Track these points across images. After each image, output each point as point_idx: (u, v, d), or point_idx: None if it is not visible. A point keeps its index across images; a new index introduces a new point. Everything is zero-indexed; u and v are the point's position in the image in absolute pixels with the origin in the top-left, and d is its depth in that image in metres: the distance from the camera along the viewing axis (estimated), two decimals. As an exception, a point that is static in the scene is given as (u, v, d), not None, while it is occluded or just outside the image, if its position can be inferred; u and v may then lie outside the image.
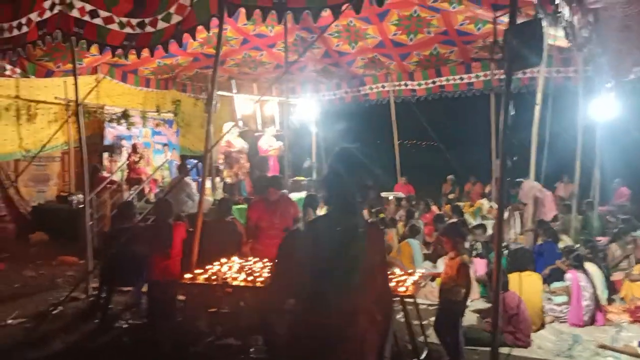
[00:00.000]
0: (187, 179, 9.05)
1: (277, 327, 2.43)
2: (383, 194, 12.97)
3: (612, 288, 7.12)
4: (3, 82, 9.88)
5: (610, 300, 6.86)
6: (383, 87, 12.85)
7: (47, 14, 6.84)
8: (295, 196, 8.90)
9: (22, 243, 9.95)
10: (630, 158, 13.55)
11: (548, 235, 7.62)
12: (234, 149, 10.64)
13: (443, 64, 11.48)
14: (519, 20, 3.88)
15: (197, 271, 5.15)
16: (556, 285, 6.63)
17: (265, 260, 5.54)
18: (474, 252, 7.40)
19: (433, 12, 8.89)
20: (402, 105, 13.13)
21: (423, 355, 4.94)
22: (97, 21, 6.58)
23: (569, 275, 6.34)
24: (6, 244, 9.49)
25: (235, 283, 4.92)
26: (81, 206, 8.44)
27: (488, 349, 4.02)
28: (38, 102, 10.55)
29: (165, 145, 13.15)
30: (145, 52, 6.66)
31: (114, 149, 11.66)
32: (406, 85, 12.50)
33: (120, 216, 6.85)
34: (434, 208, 11.72)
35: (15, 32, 7.27)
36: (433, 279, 6.75)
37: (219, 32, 5.70)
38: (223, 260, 5.47)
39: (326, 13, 5.22)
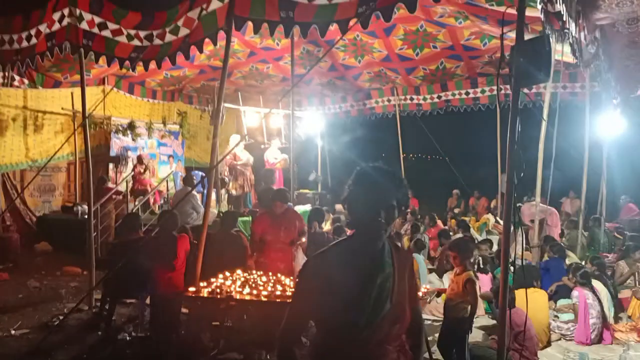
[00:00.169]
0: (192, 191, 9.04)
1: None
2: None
3: (619, 306, 7.05)
4: (11, 93, 9.95)
5: (617, 319, 6.78)
6: (389, 100, 12.88)
7: (56, 26, 6.92)
8: (300, 209, 8.89)
9: (26, 253, 9.95)
10: (638, 174, 13.50)
11: (555, 251, 7.57)
12: (239, 162, 10.66)
13: (449, 78, 11.51)
14: (526, 36, 3.88)
15: (201, 284, 5.12)
16: (562, 302, 6.57)
17: (270, 273, 5.52)
18: (475, 267, 7.35)
19: (439, 27, 8.92)
20: (408, 119, 13.15)
21: (428, 372, 4.88)
22: (106, 33, 6.65)
23: (575, 293, 6.27)
24: (11, 254, 9.48)
25: (239, 297, 4.90)
26: (86, 217, 8.45)
27: (494, 367, 3.97)
28: (45, 112, 10.62)
29: (170, 156, 13.18)
30: (153, 64, 6.71)
31: (119, 160, 11.70)
32: (412, 99, 12.53)
33: (125, 227, 6.85)
34: (439, 222, 11.68)
35: (25, 44, 7.35)
36: (438, 294, 6.70)
37: (227, 45, 5.73)
38: (227, 273, 5.45)
39: (333, 27, 5.24)
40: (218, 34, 5.75)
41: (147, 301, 6.13)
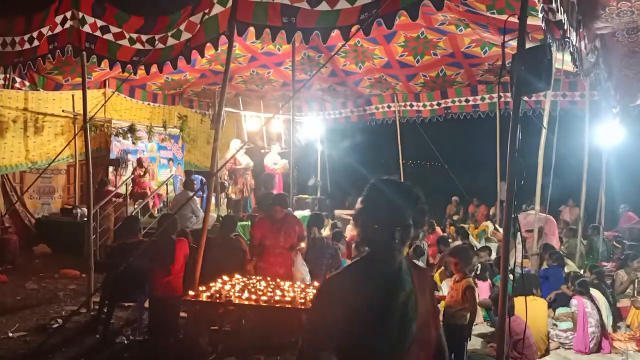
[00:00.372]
0: (192, 195, 9.04)
1: None
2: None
3: (618, 315, 7.04)
4: (12, 94, 9.96)
5: (615, 328, 6.78)
6: (389, 107, 12.92)
7: (59, 29, 6.94)
8: (299, 214, 8.89)
9: (25, 255, 9.93)
10: (637, 183, 13.53)
11: (554, 259, 7.57)
12: (239, 166, 10.67)
13: (449, 85, 11.56)
14: (527, 45, 3.90)
15: (200, 288, 5.12)
16: (561, 311, 6.56)
17: (269, 278, 5.52)
18: (474, 274, 7.34)
19: (440, 34, 8.96)
20: (408, 125, 13.18)
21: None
22: (108, 37, 6.68)
23: (574, 302, 6.27)
24: (9, 256, 9.46)
25: (238, 301, 4.90)
26: (85, 219, 8.44)
27: (493, 374, 3.97)
28: (46, 114, 10.63)
29: (170, 160, 13.19)
30: (154, 68, 6.74)
31: (119, 163, 11.70)
32: (411, 105, 12.57)
33: (124, 230, 6.84)
34: (438, 229, 11.67)
35: (27, 46, 7.38)
36: (438, 301, 6.69)
37: (229, 50, 5.75)
38: (226, 277, 5.44)
39: (335, 34, 5.27)
40: (219, 38, 5.78)
41: (146, 304, 6.13)
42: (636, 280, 7.68)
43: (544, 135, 7.13)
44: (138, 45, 6.69)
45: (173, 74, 10.46)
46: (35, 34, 7.29)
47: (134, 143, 12.07)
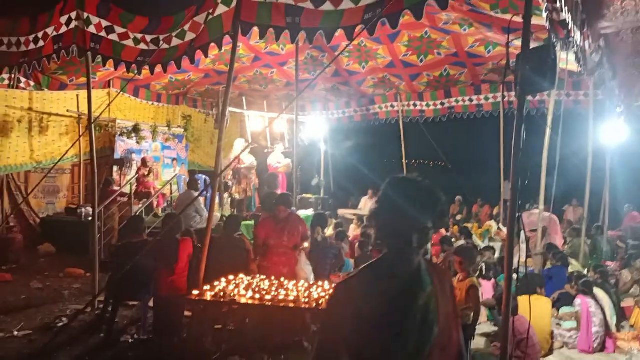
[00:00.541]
0: (196, 194, 9.06)
1: None
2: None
3: (622, 314, 7.03)
4: (17, 94, 10.01)
5: (619, 327, 6.77)
6: (392, 106, 12.91)
7: (64, 29, 6.96)
8: (302, 214, 8.90)
9: (29, 254, 9.98)
10: (641, 182, 13.49)
11: (557, 259, 7.56)
12: (242, 166, 10.69)
13: (453, 85, 11.54)
14: (531, 45, 3.90)
15: (204, 287, 5.14)
16: (565, 310, 6.55)
17: (273, 278, 5.54)
18: (478, 274, 7.35)
19: (444, 34, 8.95)
20: (411, 125, 13.17)
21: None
22: (113, 37, 6.71)
23: (578, 301, 6.27)
24: (14, 255, 9.51)
25: (242, 300, 4.91)
26: (90, 219, 8.48)
27: (497, 374, 3.97)
28: (50, 114, 10.67)
29: (174, 160, 13.23)
30: (158, 68, 6.76)
31: (124, 163, 11.73)
32: (415, 105, 12.55)
33: (128, 230, 6.87)
34: (442, 229, 11.67)
35: (32, 46, 7.40)
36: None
37: (233, 50, 5.77)
38: (230, 277, 5.46)
39: (338, 33, 5.28)
40: (224, 38, 5.80)
41: (150, 304, 6.15)
42: (640, 281, 7.67)
43: (548, 135, 7.12)
44: (143, 46, 6.71)
45: (177, 74, 10.48)
46: (40, 34, 7.32)
47: (138, 143, 12.12)
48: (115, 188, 10.53)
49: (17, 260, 9.49)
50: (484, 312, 6.86)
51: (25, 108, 10.19)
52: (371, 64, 10.76)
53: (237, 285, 5.25)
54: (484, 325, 6.75)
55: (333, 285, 5.49)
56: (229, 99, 6.02)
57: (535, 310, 5.56)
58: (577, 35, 4.77)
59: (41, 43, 7.35)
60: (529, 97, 4.09)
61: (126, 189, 10.92)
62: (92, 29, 6.71)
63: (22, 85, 10.07)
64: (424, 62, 10.32)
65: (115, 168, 11.65)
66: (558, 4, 4.06)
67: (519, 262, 5.63)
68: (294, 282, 5.51)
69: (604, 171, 10.08)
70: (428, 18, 7.92)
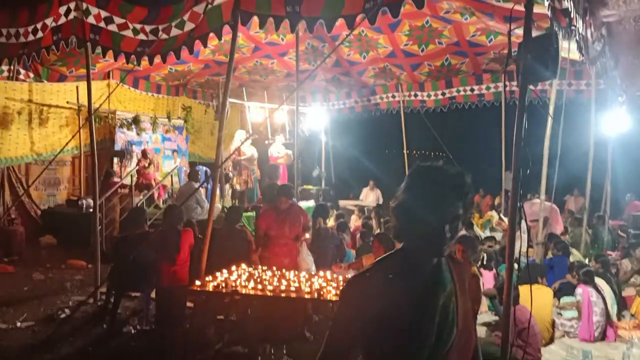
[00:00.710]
0: (197, 186, 9.07)
1: None
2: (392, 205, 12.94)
3: (623, 304, 7.05)
4: (17, 86, 9.98)
5: (620, 316, 6.79)
6: (393, 97, 12.87)
7: (62, 20, 6.92)
8: (303, 205, 8.91)
9: (31, 246, 10.00)
10: (643, 172, 13.48)
11: (559, 249, 7.57)
12: (243, 157, 10.69)
13: (454, 74, 11.49)
14: (533, 33, 3.87)
15: (206, 278, 5.15)
16: (566, 300, 6.57)
17: (275, 268, 5.55)
18: (479, 264, 7.36)
19: (445, 23, 8.90)
20: (412, 116, 13.14)
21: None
22: (112, 27, 6.67)
23: (579, 290, 6.28)
24: (16, 247, 9.54)
25: (244, 291, 4.92)
26: (91, 210, 8.49)
27: (498, 363, 3.98)
28: (50, 106, 10.65)
29: (174, 151, 13.21)
30: (158, 59, 6.72)
31: (124, 154, 11.72)
32: (416, 95, 12.51)
33: (130, 221, 6.88)
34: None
35: (31, 37, 7.36)
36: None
37: (233, 40, 5.74)
38: (232, 268, 5.47)
39: (339, 23, 5.24)
40: (223, 28, 5.76)
41: (152, 295, 6.17)
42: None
43: (549, 125, 7.10)
44: (142, 36, 6.67)
45: (177, 64, 10.45)
46: (39, 25, 7.27)
47: (138, 134, 12.10)
48: (116, 180, 10.52)
49: (19, 252, 9.51)
50: (484, 302, 6.88)
51: (25, 100, 10.17)
52: (372, 54, 10.72)
53: (239, 276, 5.26)
54: (485, 315, 6.77)
55: (348, 276, 5.49)
56: (229, 89, 6.00)
57: (536, 299, 5.57)
58: (579, 24, 4.74)
59: (40, 34, 7.31)
60: (531, 87, 4.06)
61: (127, 181, 10.92)
62: (91, 20, 6.67)
63: (21, 76, 10.03)
64: (425, 52, 10.27)
65: (115, 160, 11.63)
66: (560, -8, 4.03)
67: (520, 252, 5.64)
68: (296, 272, 5.52)
69: (606, 161, 10.06)
70: (429, 7, 7.87)
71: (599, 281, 6.49)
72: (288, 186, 6.52)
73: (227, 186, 11.13)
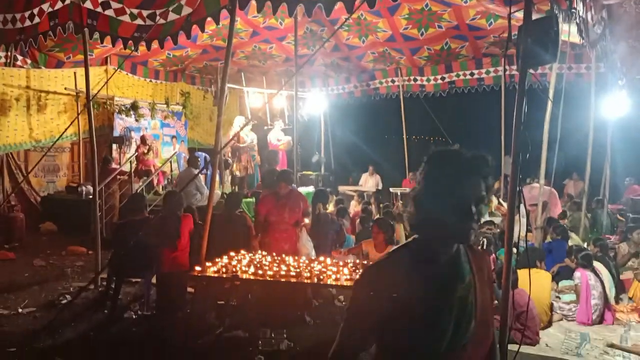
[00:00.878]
0: (196, 172, 9.07)
1: None
2: (392, 190, 12.97)
3: (621, 287, 7.09)
4: (14, 73, 9.92)
5: (618, 300, 6.83)
6: (393, 81, 12.82)
7: (59, 5, 6.84)
8: (303, 190, 8.91)
9: (31, 233, 10.02)
10: (642, 155, 13.47)
11: (558, 232, 7.59)
12: (243, 144, 10.67)
13: (454, 58, 11.44)
14: (533, 16, 3.84)
15: (207, 264, 5.17)
16: (565, 283, 6.60)
17: (275, 254, 5.57)
18: (479, 248, 7.37)
19: (445, 6, 8.84)
20: (411, 100, 13.10)
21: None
22: (109, 12, 6.59)
23: (577, 274, 6.30)
24: (16, 234, 9.56)
25: (244, 276, 4.95)
26: (90, 197, 8.49)
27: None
28: (48, 92, 10.59)
29: (173, 137, 13.18)
30: (155, 44, 6.67)
31: (123, 141, 11.69)
32: (415, 80, 12.47)
33: (129, 208, 6.89)
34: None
35: (27, 23, 7.28)
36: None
37: (231, 25, 5.68)
38: (232, 253, 5.49)
39: (338, 6, 5.20)
40: (221, 12, 5.71)
41: (153, 280, 6.20)
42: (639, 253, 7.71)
43: (549, 109, 7.07)
44: (139, 21, 6.60)
45: (175, 49, 10.38)
46: (35, 11, 7.20)
47: (136, 120, 12.04)
48: (115, 166, 10.51)
49: (20, 238, 9.53)
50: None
51: (23, 86, 10.11)
52: (371, 38, 10.65)
53: (239, 262, 5.28)
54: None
55: (347, 261, 5.51)
56: (228, 75, 5.96)
57: (534, 283, 5.59)
58: (580, 6, 4.71)
59: (37, 19, 7.23)
60: (531, 70, 4.04)
61: (126, 167, 10.90)
62: (88, 5, 6.59)
63: (19, 63, 9.98)
64: (424, 36, 10.22)
65: (114, 146, 11.60)
66: (561, -26, 3.99)
67: (519, 236, 5.65)
68: (296, 257, 5.54)
69: (605, 144, 10.05)
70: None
71: (597, 265, 6.52)
72: (287, 172, 6.52)
73: (227, 172, 11.12)
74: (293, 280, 4.89)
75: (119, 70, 10.16)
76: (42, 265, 8.19)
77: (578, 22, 5.10)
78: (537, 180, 7.97)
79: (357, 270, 5.09)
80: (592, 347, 5.44)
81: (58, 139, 9.32)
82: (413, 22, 9.69)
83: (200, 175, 9.88)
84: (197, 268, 5.09)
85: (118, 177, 10.31)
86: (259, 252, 5.71)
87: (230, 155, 10.95)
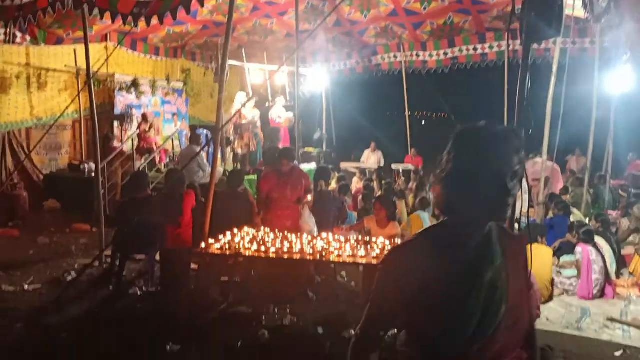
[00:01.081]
0: (198, 149, 9.06)
1: None
2: (393, 166, 12.97)
3: (622, 262, 7.13)
4: (14, 50, 9.84)
5: (619, 274, 6.88)
6: (395, 57, 12.70)
7: (57, -19, 6.75)
8: (305, 167, 8.92)
9: (35, 211, 10.07)
10: (645, 131, 13.41)
11: (559, 208, 7.61)
12: (244, 121, 10.64)
13: (457, 33, 11.31)
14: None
15: (210, 241, 5.21)
16: (566, 259, 6.64)
17: (277, 231, 5.60)
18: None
19: (448, -21, 8.72)
20: (414, 76, 12.99)
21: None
22: (108, -12, 6.50)
23: (579, 249, 6.34)
24: (20, 212, 9.60)
25: (247, 253, 4.98)
26: (93, 174, 8.50)
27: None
28: (48, 70, 10.53)
29: (174, 114, 13.13)
30: (155, 20, 6.60)
31: (124, 118, 11.66)
32: (418, 55, 12.35)
33: (132, 185, 6.90)
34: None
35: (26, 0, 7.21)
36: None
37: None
38: (235, 230, 5.52)
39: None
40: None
41: (157, 257, 6.25)
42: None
43: (552, 84, 7.02)
44: (139, -4, 6.53)
45: (175, 25, 10.28)
46: (34, -13, 7.12)
47: (137, 98, 11.99)
48: (116, 144, 10.49)
49: (23, 216, 9.58)
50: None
51: (23, 64, 10.04)
52: (373, 13, 10.52)
53: (242, 238, 5.31)
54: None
55: (350, 237, 5.53)
56: (228, 51, 5.91)
57: (536, 258, 5.64)
58: (586, -20, 4.64)
59: (35, -5, 7.16)
60: (534, 45, 4.00)
61: (127, 145, 10.89)
62: (86, -20, 6.52)
63: (18, 40, 9.89)
64: (427, 10, 10.09)
65: (115, 123, 11.57)
66: (566, -54, 3.91)
67: (521, 212, 5.66)
68: (298, 234, 5.57)
69: (608, 120, 9.99)
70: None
71: (598, 240, 6.55)
72: (289, 149, 6.52)
73: (229, 149, 11.11)
74: (296, 257, 4.93)
75: (119, 46, 10.07)
76: (46, 242, 8.24)
77: (583, -5, 5.03)
78: (539, 156, 7.95)
79: (358, 247, 5.12)
80: (593, 321, 5.50)
81: (59, 117, 9.29)
82: (416, -4, 9.58)
83: (202, 152, 9.87)
84: (201, 245, 5.13)
85: (120, 155, 10.32)
86: (262, 228, 5.74)
87: (232, 132, 10.92)
